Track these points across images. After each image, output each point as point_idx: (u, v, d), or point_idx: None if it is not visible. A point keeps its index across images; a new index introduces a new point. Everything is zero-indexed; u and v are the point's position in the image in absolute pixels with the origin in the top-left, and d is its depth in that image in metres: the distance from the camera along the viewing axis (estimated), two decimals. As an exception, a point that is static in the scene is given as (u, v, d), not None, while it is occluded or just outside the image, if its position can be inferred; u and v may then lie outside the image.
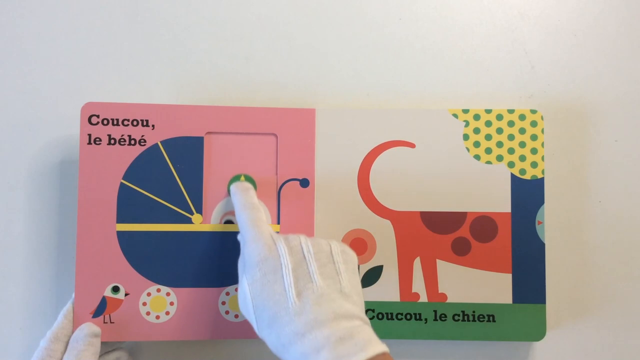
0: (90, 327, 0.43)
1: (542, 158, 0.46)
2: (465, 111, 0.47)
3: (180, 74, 0.50)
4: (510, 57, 0.50)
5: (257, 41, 0.51)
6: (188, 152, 0.46)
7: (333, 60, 0.51)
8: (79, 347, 0.42)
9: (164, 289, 0.45)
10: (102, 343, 0.44)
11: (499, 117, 0.46)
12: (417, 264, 0.46)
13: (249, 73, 0.50)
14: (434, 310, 0.46)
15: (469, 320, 0.46)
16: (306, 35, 0.51)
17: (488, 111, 0.47)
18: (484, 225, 0.46)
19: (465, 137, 0.47)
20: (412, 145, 0.47)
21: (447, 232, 0.46)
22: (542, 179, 0.46)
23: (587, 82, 0.50)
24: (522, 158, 0.46)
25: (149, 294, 0.45)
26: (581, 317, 0.48)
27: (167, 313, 0.45)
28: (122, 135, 0.45)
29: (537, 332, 0.45)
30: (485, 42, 0.50)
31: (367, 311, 0.46)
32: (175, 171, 0.46)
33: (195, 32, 0.51)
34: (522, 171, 0.46)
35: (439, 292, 0.46)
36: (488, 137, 0.46)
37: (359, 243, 0.46)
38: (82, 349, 0.42)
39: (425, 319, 0.46)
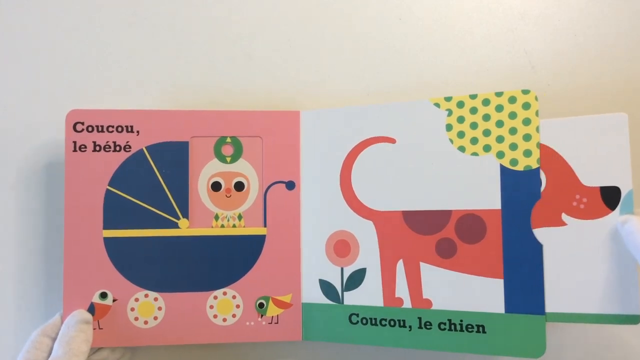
0: (82, 314, 0.43)
1: (537, 145, 0.41)
2: (448, 99, 0.43)
3: (165, 80, 0.50)
4: (510, 57, 0.49)
5: (256, 42, 0.51)
6: (173, 157, 0.45)
7: (333, 60, 0.50)
8: (71, 334, 0.42)
9: (152, 294, 0.45)
10: (91, 349, 0.44)
11: (486, 102, 0.42)
12: (400, 266, 0.43)
13: (236, 76, 0.50)
14: (418, 317, 0.42)
15: (456, 330, 0.42)
16: (304, 36, 0.51)
17: (473, 97, 0.42)
18: (470, 224, 0.42)
19: (449, 127, 0.43)
20: (392, 141, 0.44)
21: (430, 233, 0.43)
22: (538, 169, 0.40)
23: (587, 82, 0.48)
24: (514, 147, 0.41)
25: (136, 300, 0.45)
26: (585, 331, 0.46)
27: (156, 318, 0.45)
28: (107, 142, 0.45)
29: (535, 347, 0.40)
30: (485, 42, 0.49)
31: (350, 315, 0.44)
32: (161, 176, 0.45)
33: (179, 38, 0.51)
34: (514, 161, 0.41)
35: (424, 297, 0.43)
36: (473, 126, 0.42)
37: (343, 245, 0.44)
38: (74, 335, 0.42)
39: (410, 326, 0.43)
